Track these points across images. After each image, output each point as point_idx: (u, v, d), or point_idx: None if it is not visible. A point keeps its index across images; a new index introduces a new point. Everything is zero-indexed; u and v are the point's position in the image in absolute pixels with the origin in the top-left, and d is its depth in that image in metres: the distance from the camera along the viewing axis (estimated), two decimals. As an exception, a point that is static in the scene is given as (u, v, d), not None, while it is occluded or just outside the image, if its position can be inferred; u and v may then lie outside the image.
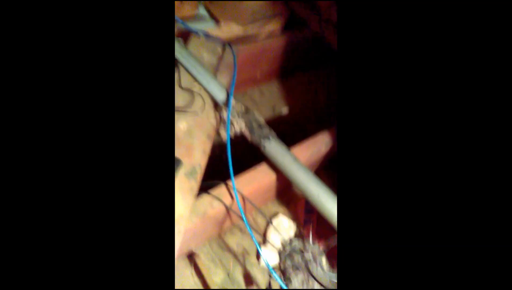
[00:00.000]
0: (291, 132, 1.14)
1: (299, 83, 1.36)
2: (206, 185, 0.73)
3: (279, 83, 1.33)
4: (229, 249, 0.87)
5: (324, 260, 0.84)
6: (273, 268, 0.72)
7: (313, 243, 0.86)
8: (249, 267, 0.85)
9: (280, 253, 0.85)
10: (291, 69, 1.33)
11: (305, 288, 0.79)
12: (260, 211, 0.87)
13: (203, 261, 0.81)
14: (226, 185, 0.75)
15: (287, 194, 1.01)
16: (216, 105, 0.82)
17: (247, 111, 0.78)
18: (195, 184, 0.69)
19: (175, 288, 0.74)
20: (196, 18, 1.05)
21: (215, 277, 0.81)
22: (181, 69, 0.83)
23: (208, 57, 0.92)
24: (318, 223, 0.93)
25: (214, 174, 0.78)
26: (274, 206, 0.98)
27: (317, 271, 0.80)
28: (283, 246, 0.87)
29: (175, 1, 0.98)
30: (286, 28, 1.20)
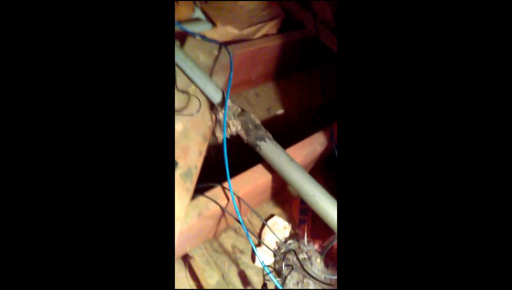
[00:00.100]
0: (286, 133, 1.15)
1: (294, 84, 1.37)
2: (201, 187, 0.73)
3: (275, 84, 1.34)
4: (224, 251, 0.87)
5: (318, 260, 0.85)
6: (268, 268, 0.72)
7: (308, 243, 0.86)
8: (244, 268, 0.85)
9: (275, 254, 0.85)
10: (286, 70, 1.34)
11: (300, 288, 0.80)
12: (256, 212, 0.87)
13: (198, 263, 0.81)
14: (222, 187, 0.75)
15: (282, 195, 1.01)
16: (212, 107, 0.82)
17: (242, 112, 0.79)
18: (191, 185, 0.69)
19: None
20: (192, 20, 1.05)
21: (210, 279, 0.81)
22: (177, 70, 0.83)
23: (204, 58, 0.92)
24: (313, 223, 0.93)
25: (210, 176, 0.78)
26: (269, 207, 0.98)
27: (311, 271, 0.81)
28: (278, 246, 0.88)
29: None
30: (282, 29, 1.21)
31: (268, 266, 0.83)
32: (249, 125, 0.77)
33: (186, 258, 0.81)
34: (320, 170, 1.05)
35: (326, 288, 0.77)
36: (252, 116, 0.79)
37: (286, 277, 0.79)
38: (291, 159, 0.75)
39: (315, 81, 1.37)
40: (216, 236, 0.89)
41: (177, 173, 0.69)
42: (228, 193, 0.73)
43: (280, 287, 0.66)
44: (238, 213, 0.70)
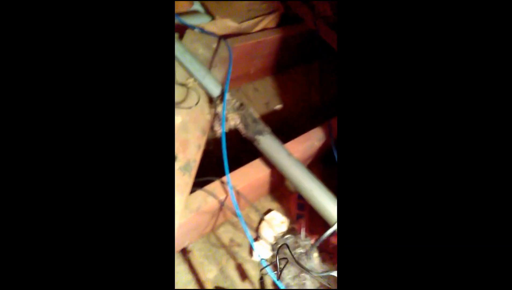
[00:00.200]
0: (284, 128, 1.15)
1: (293, 78, 1.36)
2: (200, 181, 0.73)
3: (273, 79, 1.34)
4: (222, 245, 0.87)
5: (315, 254, 0.86)
6: (266, 262, 0.73)
7: (305, 238, 0.87)
8: (242, 262, 0.85)
9: (272, 248, 0.86)
10: (285, 64, 1.34)
11: (297, 282, 0.80)
12: (254, 206, 0.87)
13: (196, 257, 0.81)
14: (220, 181, 0.75)
15: (280, 190, 1.01)
16: (211, 100, 0.81)
17: (241, 106, 0.78)
18: (190, 179, 0.69)
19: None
20: (191, 12, 1.04)
21: (208, 273, 0.81)
22: (176, 63, 0.82)
23: (203, 52, 0.91)
24: (310, 218, 0.94)
25: (208, 170, 0.77)
26: (267, 201, 0.98)
27: (308, 265, 0.81)
28: (276, 241, 0.88)
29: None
30: (281, 23, 1.20)
31: (265, 260, 0.83)
32: (248, 119, 0.77)
33: (184, 251, 0.81)
34: (318, 165, 1.06)
35: (323, 288, 0.77)
36: (251, 109, 0.79)
37: (281, 270, 0.80)
38: (290, 154, 0.75)
39: (313, 77, 1.36)
40: (214, 230, 0.89)
41: (176, 167, 0.68)
42: (227, 187, 0.73)
43: (276, 280, 0.66)
44: (237, 207, 0.70)
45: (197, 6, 1.05)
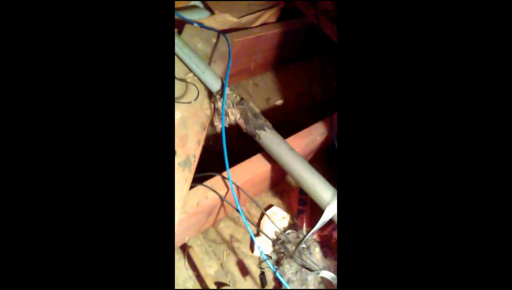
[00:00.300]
0: (286, 123, 1.14)
1: (293, 74, 1.35)
2: (200, 177, 0.73)
3: (274, 74, 1.33)
4: (222, 240, 0.87)
5: (317, 249, 0.85)
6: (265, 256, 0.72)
7: (307, 233, 0.86)
8: (242, 258, 0.85)
9: (273, 243, 0.85)
10: (286, 59, 1.32)
11: (298, 277, 0.80)
12: (255, 201, 0.87)
13: (196, 252, 0.81)
14: (221, 176, 0.74)
15: (281, 185, 1.01)
16: (210, 95, 0.80)
17: (241, 100, 0.78)
18: (189, 174, 0.69)
19: (174, 285, 0.74)
20: (190, 7, 1.03)
21: (209, 269, 0.81)
22: (175, 58, 0.82)
23: (202, 46, 0.90)
24: (311, 213, 0.93)
25: (208, 166, 0.77)
26: (268, 197, 0.98)
27: (310, 261, 0.81)
28: (277, 236, 0.88)
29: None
30: (282, 18, 1.19)
31: (266, 255, 0.83)
32: (248, 114, 0.76)
33: (184, 247, 0.81)
34: (321, 160, 1.05)
35: (323, 288, 0.77)
36: (251, 104, 0.78)
37: (284, 266, 0.80)
38: (291, 148, 0.74)
39: (315, 72, 1.35)
40: (215, 225, 0.89)
41: (176, 162, 0.68)
42: (227, 182, 0.72)
43: (278, 275, 0.66)
44: (237, 202, 0.70)
45: (196, 1, 1.04)
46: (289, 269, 0.81)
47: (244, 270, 0.83)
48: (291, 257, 0.78)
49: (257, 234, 0.89)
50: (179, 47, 0.81)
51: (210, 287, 0.75)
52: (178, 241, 0.80)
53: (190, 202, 0.69)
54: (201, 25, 0.94)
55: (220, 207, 0.81)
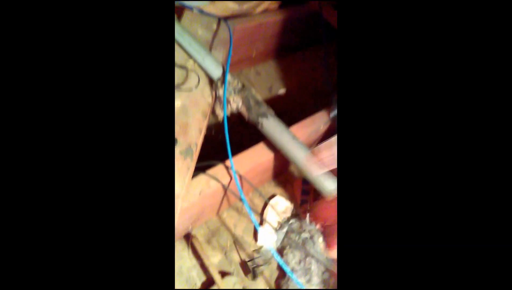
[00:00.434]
0: (288, 113, 1.12)
1: (296, 62, 1.32)
2: (202, 165, 0.72)
3: (276, 62, 1.30)
4: (226, 230, 0.86)
5: (320, 239, 0.85)
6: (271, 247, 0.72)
7: (310, 223, 0.86)
8: (246, 247, 0.84)
9: (277, 233, 0.85)
10: (288, 47, 1.30)
11: (302, 266, 0.80)
12: (258, 190, 0.86)
13: (200, 242, 0.81)
14: (224, 165, 0.73)
15: (284, 175, 1.00)
16: (211, 82, 0.79)
17: (243, 88, 0.76)
18: (191, 162, 0.68)
19: (174, 274, 0.74)
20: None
21: (213, 258, 0.81)
22: (175, 45, 0.80)
23: (202, 33, 0.88)
24: (315, 203, 0.93)
25: (211, 157, 0.76)
26: (271, 186, 0.97)
27: (314, 250, 0.80)
28: (280, 226, 0.87)
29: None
30: (284, 5, 1.16)
31: (270, 245, 0.82)
32: (251, 102, 0.75)
33: (188, 237, 0.81)
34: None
35: (324, 289, 0.77)
36: (253, 91, 0.76)
37: (288, 256, 0.79)
38: (294, 137, 0.73)
39: (317, 60, 1.32)
40: (218, 215, 0.88)
41: (177, 150, 0.67)
42: (230, 171, 0.71)
43: (282, 262, 0.65)
44: (241, 191, 0.69)
45: (196, -14, 1.00)
46: (293, 258, 0.81)
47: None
48: (295, 246, 0.78)
49: (261, 224, 0.88)
50: (179, 33, 0.79)
51: (215, 276, 0.75)
52: (182, 230, 0.79)
53: (192, 191, 0.68)
54: (201, 11, 0.91)
55: (223, 197, 0.80)
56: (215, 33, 0.90)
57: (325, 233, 0.83)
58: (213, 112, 0.80)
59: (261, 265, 0.77)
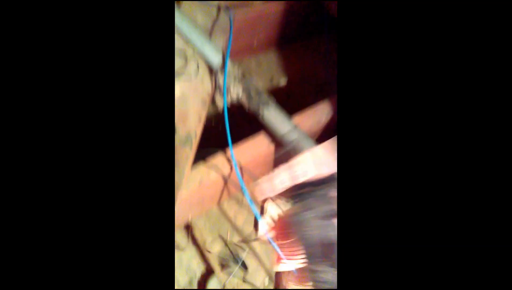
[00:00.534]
0: (290, 104, 1.11)
1: (297, 51, 1.30)
2: (202, 153, 0.71)
3: (277, 52, 1.28)
4: (226, 220, 0.86)
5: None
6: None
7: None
8: (246, 237, 0.84)
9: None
10: (289, 37, 1.27)
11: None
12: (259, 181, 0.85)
13: (200, 232, 0.80)
14: (224, 154, 0.72)
15: (285, 166, 0.99)
16: (211, 70, 0.77)
17: (244, 76, 0.74)
18: (191, 152, 0.67)
19: (174, 263, 0.73)
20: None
21: (213, 248, 0.80)
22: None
23: (202, 20, 0.86)
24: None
25: (211, 146, 0.75)
26: (271, 178, 0.96)
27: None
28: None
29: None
30: (285, -8, 1.13)
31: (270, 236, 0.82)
32: (251, 90, 0.73)
33: (188, 227, 0.80)
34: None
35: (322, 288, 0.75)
36: (254, 80, 0.75)
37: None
38: (296, 126, 0.71)
39: (319, 51, 1.30)
40: (219, 205, 0.88)
41: (176, 139, 0.66)
42: (230, 161, 0.70)
43: (281, 253, 0.65)
44: (241, 180, 0.68)
45: (195, -28, 0.98)
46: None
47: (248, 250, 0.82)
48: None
49: (261, 214, 0.88)
50: (178, 19, 0.77)
51: (214, 267, 0.74)
52: (182, 219, 0.79)
53: (192, 180, 0.67)
54: (201, -2, 0.89)
55: (223, 186, 0.79)
56: (216, 20, 0.87)
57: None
58: (213, 102, 0.78)
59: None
